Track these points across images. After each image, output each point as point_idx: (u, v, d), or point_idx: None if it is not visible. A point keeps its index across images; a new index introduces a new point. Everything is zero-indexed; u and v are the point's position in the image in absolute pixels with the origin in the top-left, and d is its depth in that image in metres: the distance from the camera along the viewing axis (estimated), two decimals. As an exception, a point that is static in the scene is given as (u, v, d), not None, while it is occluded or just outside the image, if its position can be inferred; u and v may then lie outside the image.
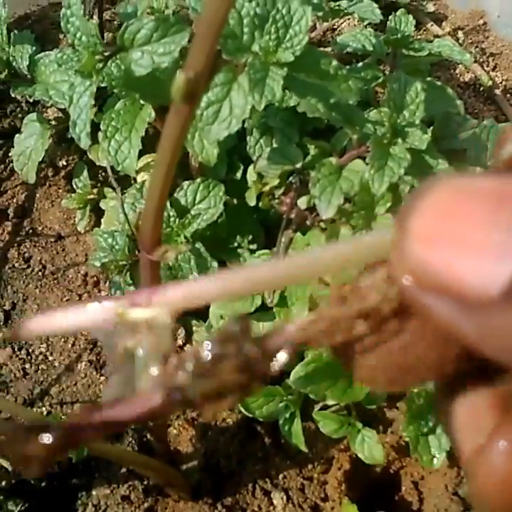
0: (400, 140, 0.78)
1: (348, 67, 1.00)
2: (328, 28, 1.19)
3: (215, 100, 0.76)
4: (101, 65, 0.78)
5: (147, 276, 0.63)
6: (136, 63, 0.77)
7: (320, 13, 0.92)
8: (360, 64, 0.99)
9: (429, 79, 1.01)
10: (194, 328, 1.06)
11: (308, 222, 0.93)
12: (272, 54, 0.73)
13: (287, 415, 0.92)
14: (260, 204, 0.95)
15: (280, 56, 0.73)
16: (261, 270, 0.29)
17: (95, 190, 1.18)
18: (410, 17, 1.01)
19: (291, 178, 0.91)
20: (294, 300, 0.90)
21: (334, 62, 0.76)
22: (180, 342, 1.05)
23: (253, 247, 0.97)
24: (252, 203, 0.93)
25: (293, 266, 0.29)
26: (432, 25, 1.26)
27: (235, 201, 1.00)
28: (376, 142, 0.77)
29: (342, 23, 1.22)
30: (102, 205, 1.15)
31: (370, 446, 0.91)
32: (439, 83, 0.99)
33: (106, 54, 0.78)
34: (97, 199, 1.17)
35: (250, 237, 0.97)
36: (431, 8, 1.28)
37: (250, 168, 0.92)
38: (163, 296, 0.29)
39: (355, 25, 1.22)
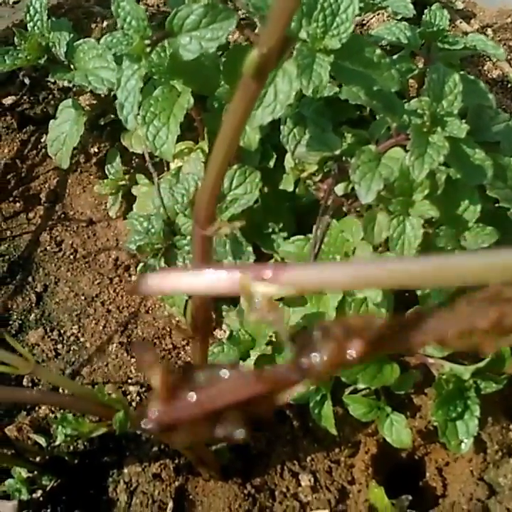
0: (439, 129, 0.79)
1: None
2: (359, 22, 1.20)
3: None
4: (149, 49, 0.80)
5: (199, 252, 0.65)
6: (185, 48, 0.79)
7: (361, 4, 0.94)
8: (395, 56, 1.01)
9: (462, 72, 1.02)
10: (224, 312, 1.08)
11: (344, 209, 0.95)
12: (319, 41, 0.75)
13: (318, 398, 0.94)
14: (297, 190, 0.97)
15: (327, 43, 0.75)
16: (398, 265, 0.29)
17: (127, 177, 1.20)
18: (445, 11, 1.02)
19: (328, 165, 0.93)
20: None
21: (378, 51, 0.78)
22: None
23: (285, 234, 0.99)
24: (290, 188, 0.95)
25: (431, 267, 0.29)
26: (461, 22, 1.28)
27: (267, 189, 1.02)
28: (416, 130, 0.78)
29: (371, 18, 1.23)
30: (134, 191, 1.17)
31: (398, 430, 0.93)
32: (471, 77, 1.01)
33: (154, 38, 0.80)
34: (128, 185, 1.19)
35: (283, 223, 0.99)
36: (460, 5, 1.30)
37: (288, 155, 0.94)
38: (291, 275, 0.30)
39: (384, 20, 1.23)
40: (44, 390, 0.97)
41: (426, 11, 1.03)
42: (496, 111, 0.99)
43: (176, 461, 0.96)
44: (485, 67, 1.24)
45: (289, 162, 0.94)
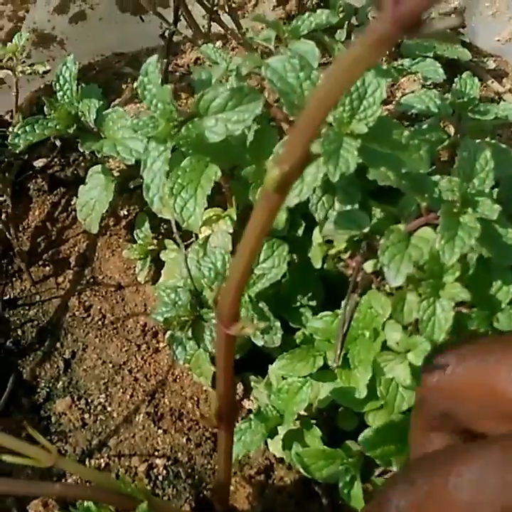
0: (470, 210, 0.78)
1: (412, 128, 1.01)
2: (389, 84, 1.19)
3: (288, 168, 0.77)
4: (175, 131, 0.80)
5: (221, 350, 0.64)
6: (210, 130, 0.79)
7: (390, 79, 0.93)
8: (425, 126, 0.99)
9: (493, 141, 1.01)
10: (252, 383, 1.06)
11: (373, 286, 0.93)
12: (346, 125, 0.74)
13: (347, 478, 0.91)
14: (325, 266, 0.95)
15: (354, 127, 0.73)
16: None
17: (155, 241, 1.19)
18: (475, 79, 1.01)
19: (356, 242, 0.91)
20: (356, 363, 0.90)
21: (406, 132, 0.76)
22: (238, 397, 1.06)
23: (313, 304, 0.98)
24: (318, 265, 0.93)
25: None
26: (492, 82, 1.27)
27: (296, 258, 1.01)
28: (446, 212, 0.77)
29: (402, 79, 1.23)
30: (162, 256, 1.16)
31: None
32: (503, 146, 0.98)
33: (180, 119, 0.80)
34: (157, 250, 1.18)
35: (311, 297, 0.97)
36: (492, 65, 1.28)
37: (316, 230, 0.92)
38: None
39: (415, 80, 1.22)
40: (66, 483, 0.96)
41: (456, 79, 1.01)
42: None
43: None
44: (518, 129, 1.22)
45: (317, 238, 0.93)
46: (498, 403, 0.57)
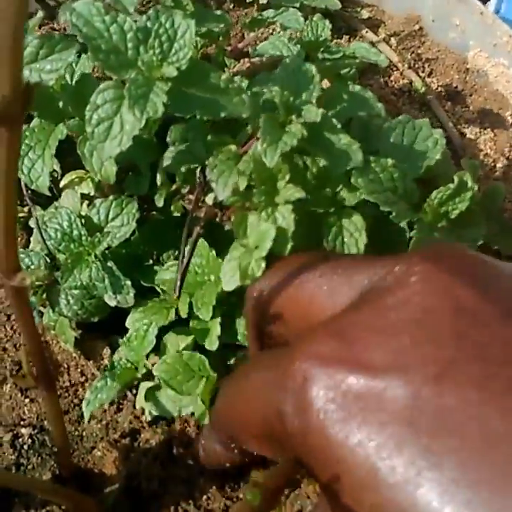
0: (294, 117, 0.76)
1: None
2: (256, 38, 1.17)
3: (106, 117, 0.74)
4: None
5: (13, 304, 0.61)
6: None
7: (222, 25, 0.90)
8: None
9: (348, 83, 0.98)
10: (123, 339, 1.04)
11: (217, 219, 0.92)
12: (157, 69, 0.71)
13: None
14: (172, 207, 0.93)
15: (164, 71, 0.71)
16: None
17: (26, 209, 1.16)
18: (327, 21, 0.99)
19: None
20: (199, 305, 0.87)
21: (224, 76, 0.74)
22: (105, 361, 1.03)
23: (166, 258, 0.96)
24: (160, 204, 0.91)
25: None
26: (367, 32, 1.25)
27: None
28: (267, 118, 0.74)
29: (271, 32, 1.20)
30: (31, 223, 1.13)
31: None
32: (358, 87, 0.96)
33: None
34: (27, 217, 1.15)
35: (162, 250, 0.95)
36: (365, 14, 1.26)
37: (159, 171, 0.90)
38: None
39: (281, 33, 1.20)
40: None
41: (307, 21, 0.99)
42: (384, 119, 0.95)
43: (63, 507, 0.92)
44: (392, 77, 1.20)
45: (159, 178, 0.90)
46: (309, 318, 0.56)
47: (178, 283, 0.86)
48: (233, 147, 0.80)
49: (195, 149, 0.85)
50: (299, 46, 0.98)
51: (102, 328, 1.04)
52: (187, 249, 0.85)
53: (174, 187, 0.87)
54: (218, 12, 0.91)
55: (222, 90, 0.74)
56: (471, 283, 0.46)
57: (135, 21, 0.74)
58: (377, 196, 0.79)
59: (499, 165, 1.13)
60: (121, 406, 1.01)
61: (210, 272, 0.87)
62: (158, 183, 0.90)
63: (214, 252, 0.87)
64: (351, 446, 0.42)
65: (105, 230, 0.92)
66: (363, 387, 0.43)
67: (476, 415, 0.39)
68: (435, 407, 0.40)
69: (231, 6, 1.28)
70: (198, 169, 0.85)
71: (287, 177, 0.77)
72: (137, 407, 1.00)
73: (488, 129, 1.16)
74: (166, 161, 0.85)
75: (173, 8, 0.82)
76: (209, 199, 0.85)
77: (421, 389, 0.41)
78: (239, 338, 0.89)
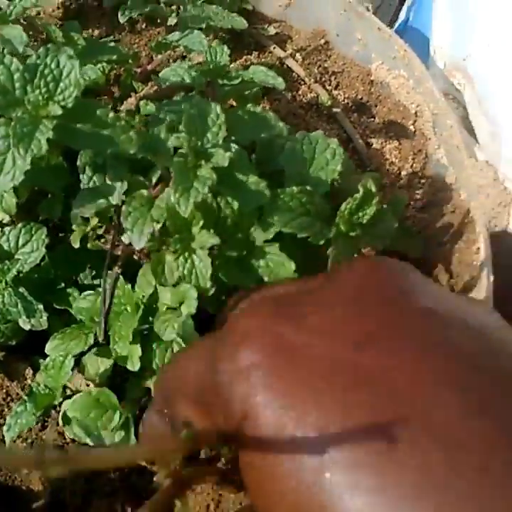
0: (203, 162, 0.79)
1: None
2: (167, 57, 1.20)
3: (-2, 153, 0.78)
4: None
5: None
6: None
7: (114, 57, 0.93)
8: (177, 98, 1.01)
9: (249, 106, 1.02)
10: (42, 367, 1.07)
11: (135, 257, 0.95)
12: (43, 108, 0.75)
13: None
14: (89, 246, 0.96)
15: (50, 109, 0.74)
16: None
17: None
18: (225, 47, 1.03)
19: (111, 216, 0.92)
20: (116, 339, 0.91)
21: (111, 114, 0.78)
22: (28, 381, 1.06)
23: (81, 284, 0.99)
24: (77, 245, 0.94)
25: None
26: (274, 47, 1.29)
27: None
28: (178, 166, 0.78)
29: (182, 52, 1.23)
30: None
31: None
32: (259, 109, 1.00)
33: None
34: None
35: (75, 275, 0.98)
36: (272, 30, 1.30)
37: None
38: None
39: (196, 54, 1.23)
40: None
41: (206, 48, 1.03)
42: (287, 138, 0.98)
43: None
44: (300, 91, 1.25)
45: (73, 218, 0.93)
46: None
47: (102, 325, 0.90)
48: (145, 192, 0.84)
49: (104, 188, 0.88)
50: (198, 73, 1.02)
51: (24, 349, 1.07)
52: (107, 290, 0.89)
53: (89, 228, 0.90)
54: (112, 44, 0.95)
55: (109, 127, 0.77)
56: (395, 280, 0.58)
57: (26, 57, 0.77)
58: (291, 225, 0.82)
59: (404, 173, 1.18)
60: (46, 423, 1.04)
61: (127, 303, 0.91)
62: (74, 223, 0.93)
63: (129, 285, 0.90)
64: (270, 398, 0.49)
65: (16, 256, 0.95)
66: (296, 342, 0.51)
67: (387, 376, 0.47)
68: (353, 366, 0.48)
69: (144, 26, 1.30)
70: (112, 210, 0.89)
71: (201, 223, 0.81)
72: (61, 424, 1.03)
73: (393, 139, 1.21)
74: (75, 204, 0.88)
75: (64, 44, 0.85)
76: (125, 238, 0.88)
77: (343, 351, 0.49)
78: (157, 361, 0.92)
